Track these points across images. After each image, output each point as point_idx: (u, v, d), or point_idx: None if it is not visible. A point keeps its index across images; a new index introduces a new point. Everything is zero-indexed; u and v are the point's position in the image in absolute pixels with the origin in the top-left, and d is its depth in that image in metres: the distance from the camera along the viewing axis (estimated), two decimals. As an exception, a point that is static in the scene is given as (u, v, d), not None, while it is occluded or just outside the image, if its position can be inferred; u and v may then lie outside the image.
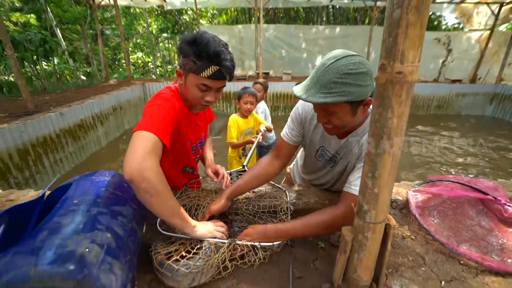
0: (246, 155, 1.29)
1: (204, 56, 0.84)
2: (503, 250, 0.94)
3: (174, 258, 0.76)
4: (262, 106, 2.81)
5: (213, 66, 0.86)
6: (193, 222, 0.84)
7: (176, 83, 1.03)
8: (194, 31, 0.91)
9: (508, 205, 1.07)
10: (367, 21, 11.26)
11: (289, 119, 1.09)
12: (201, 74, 0.87)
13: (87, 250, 0.55)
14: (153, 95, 0.95)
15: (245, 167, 1.34)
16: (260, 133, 2.11)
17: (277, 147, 1.12)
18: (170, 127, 0.85)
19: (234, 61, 0.92)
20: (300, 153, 1.42)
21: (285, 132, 1.09)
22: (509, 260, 0.88)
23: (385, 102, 0.53)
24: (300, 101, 0.99)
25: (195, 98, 0.94)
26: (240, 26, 8.48)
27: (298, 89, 0.81)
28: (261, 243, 0.83)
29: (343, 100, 0.73)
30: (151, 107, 0.85)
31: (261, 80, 2.98)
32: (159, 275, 0.76)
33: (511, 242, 0.97)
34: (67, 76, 8.99)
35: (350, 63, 0.73)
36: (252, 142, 2.12)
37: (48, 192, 0.81)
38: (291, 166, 1.56)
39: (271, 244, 0.84)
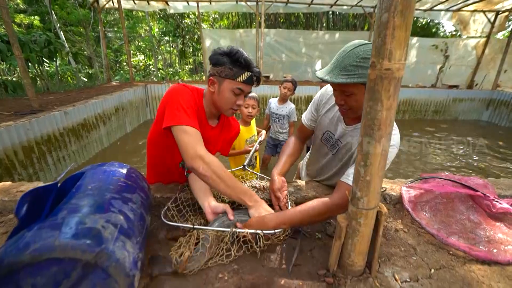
0: (252, 165, 1.31)
1: (239, 63, 0.99)
2: (490, 241, 0.99)
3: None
4: (290, 105, 2.89)
5: (246, 72, 1.00)
6: (259, 198, 0.96)
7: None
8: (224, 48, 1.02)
9: (497, 201, 1.12)
10: (366, 27, 11.43)
11: (310, 108, 1.23)
12: (237, 79, 1.00)
13: (103, 227, 0.60)
14: (173, 90, 1.01)
15: (246, 167, 1.35)
16: (259, 140, 1.89)
17: (299, 129, 1.29)
18: (195, 115, 1.00)
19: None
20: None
21: (304, 116, 1.26)
22: (495, 250, 0.94)
23: (375, 96, 0.59)
24: (321, 91, 1.18)
25: (229, 103, 1.05)
26: (241, 31, 8.60)
27: (320, 72, 0.91)
28: (264, 231, 0.87)
29: (360, 81, 0.81)
30: (176, 101, 0.96)
31: (290, 77, 2.88)
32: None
33: (497, 235, 1.02)
34: (69, 78, 9.08)
35: (368, 49, 0.82)
36: (249, 151, 2.02)
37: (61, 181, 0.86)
38: (301, 162, 1.61)
39: (272, 231, 0.87)
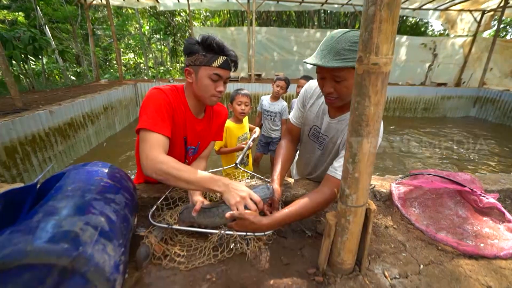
0: (244, 163, 1.28)
1: (212, 49, 0.96)
2: (477, 236, 1.00)
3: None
4: (282, 103, 2.89)
5: (221, 57, 0.97)
6: (227, 180, 0.88)
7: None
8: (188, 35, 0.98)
9: (483, 196, 1.14)
10: (357, 25, 11.53)
11: (296, 102, 1.21)
12: (212, 64, 0.97)
13: (81, 230, 0.57)
14: (146, 96, 1.00)
15: (238, 165, 1.31)
16: (252, 137, 1.84)
17: (288, 130, 1.26)
18: (167, 117, 0.97)
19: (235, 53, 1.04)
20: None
21: (292, 115, 1.23)
22: (482, 245, 0.95)
23: (363, 91, 0.58)
24: (306, 86, 1.16)
25: (209, 90, 1.01)
26: (232, 28, 8.54)
27: (311, 59, 0.88)
28: (255, 233, 0.85)
29: (353, 65, 0.80)
30: (145, 105, 0.96)
31: (282, 76, 2.90)
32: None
33: (484, 229, 1.04)
34: (56, 76, 8.82)
35: (357, 34, 0.81)
36: (242, 149, 2.00)
37: (41, 182, 0.82)
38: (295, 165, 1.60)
39: (262, 233, 0.86)
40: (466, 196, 1.19)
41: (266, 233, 0.86)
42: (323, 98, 1.06)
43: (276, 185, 1.01)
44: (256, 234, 0.85)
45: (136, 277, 0.77)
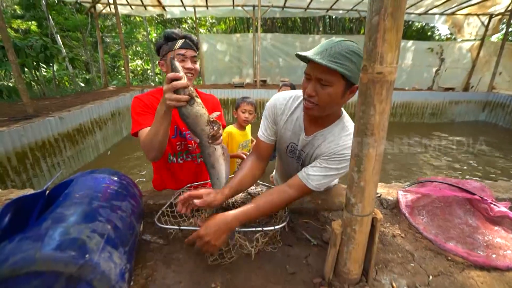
0: None
1: (172, 37, 1.13)
2: (488, 246, 0.97)
3: None
4: None
5: (180, 40, 1.13)
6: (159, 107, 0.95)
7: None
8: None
9: (494, 205, 1.11)
10: (362, 31, 11.54)
11: (263, 118, 1.09)
12: (174, 48, 1.12)
13: (88, 237, 0.58)
14: (131, 106, 1.21)
15: None
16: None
17: (256, 148, 1.11)
18: (148, 114, 1.15)
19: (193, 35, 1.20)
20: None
21: (261, 132, 1.09)
22: (494, 256, 0.92)
23: (367, 100, 0.58)
24: (272, 98, 1.08)
25: None
26: (238, 35, 8.65)
27: (304, 53, 0.82)
28: (264, 228, 0.86)
29: (344, 72, 0.77)
30: (131, 114, 1.19)
31: (288, 82, 2.84)
32: None
33: (496, 239, 1.01)
34: (66, 83, 9.05)
35: (357, 47, 0.80)
36: (242, 158, 1.96)
37: (50, 188, 0.84)
38: (273, 173, 1.57)
39: (272, 228, 0.87)
40: (476, 204, 1.16)
41: (276, 227, 0.87)
42: (297, 112, 1.01)
43: (219, 194, 0.89)
44: (264, 229, 0.85)
45: (141, 284, 0.77)
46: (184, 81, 0.82)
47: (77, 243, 0.56)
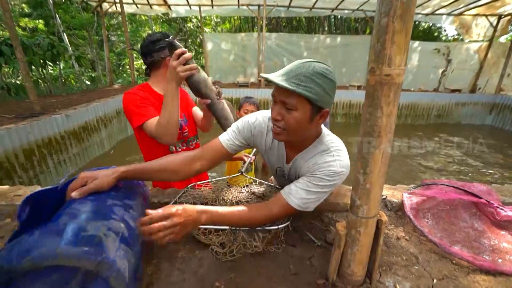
0: (247, 170, 1.31)
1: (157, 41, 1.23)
2: (495, 251, 0.96)
3: None
4: None
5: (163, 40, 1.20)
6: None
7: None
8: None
9: (501, 208, 1.10)
10: (367, 31, 11.45)
11: (234, 128, 1.00)
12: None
13: (104, 235, 0.59)
14: (123, 103, 1.26)
15: (243, 173, 1.35)
16: (254, 150, 1.69)
17: (208, 147, 0.97)
18: (147, 105, 1.21)
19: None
20: None
21: (226, 138, 0.97)
22: (500, 260, 0.91)
23: (375, 102, 0.58)
24: (252, 117, 0.99)
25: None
26: (243, 34, 8.65)
27: (267, 75, 0.79)
28: (266, 227, 0.85)
29: (308, 95, 0.73)
30: (127, 108, 1.23)
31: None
32: None
33: (502, 244, 1.00)
34: (72, 81, 9.15)
35: (325, 68, 0.76)
36: (244, 160, 1.86)
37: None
38: (272, 177, 1.57)
39: (276, 227, 0.87)
40: (483, 208, 1.15)
41: (279, 226, 0.87)
42: None
43: (111, 176, 0.78)
44: (266, 228, 0.86)
45: (146, 283, 0.78)
46: (188, 54, 0.99)
47: (94, 240, 0.56)
